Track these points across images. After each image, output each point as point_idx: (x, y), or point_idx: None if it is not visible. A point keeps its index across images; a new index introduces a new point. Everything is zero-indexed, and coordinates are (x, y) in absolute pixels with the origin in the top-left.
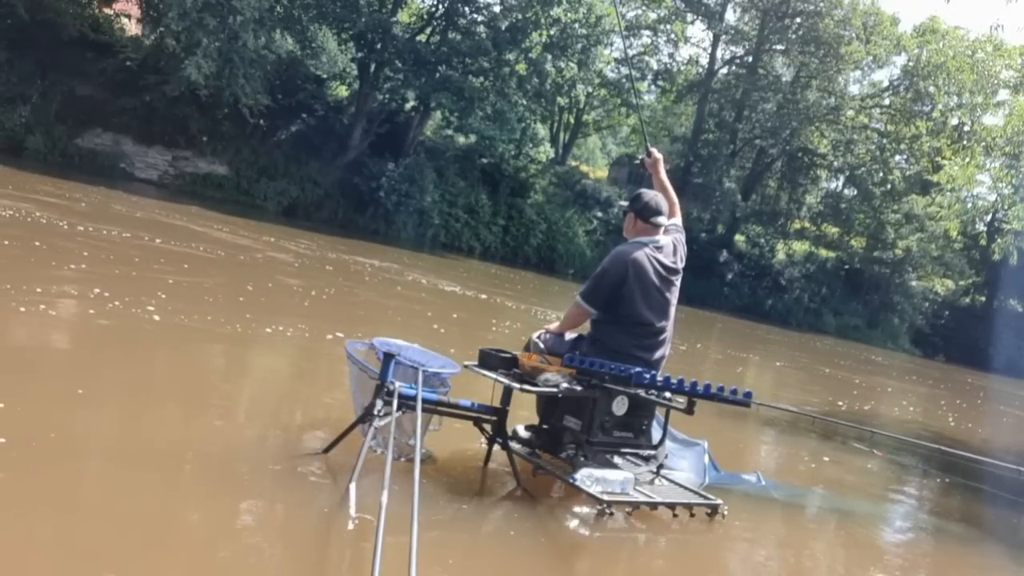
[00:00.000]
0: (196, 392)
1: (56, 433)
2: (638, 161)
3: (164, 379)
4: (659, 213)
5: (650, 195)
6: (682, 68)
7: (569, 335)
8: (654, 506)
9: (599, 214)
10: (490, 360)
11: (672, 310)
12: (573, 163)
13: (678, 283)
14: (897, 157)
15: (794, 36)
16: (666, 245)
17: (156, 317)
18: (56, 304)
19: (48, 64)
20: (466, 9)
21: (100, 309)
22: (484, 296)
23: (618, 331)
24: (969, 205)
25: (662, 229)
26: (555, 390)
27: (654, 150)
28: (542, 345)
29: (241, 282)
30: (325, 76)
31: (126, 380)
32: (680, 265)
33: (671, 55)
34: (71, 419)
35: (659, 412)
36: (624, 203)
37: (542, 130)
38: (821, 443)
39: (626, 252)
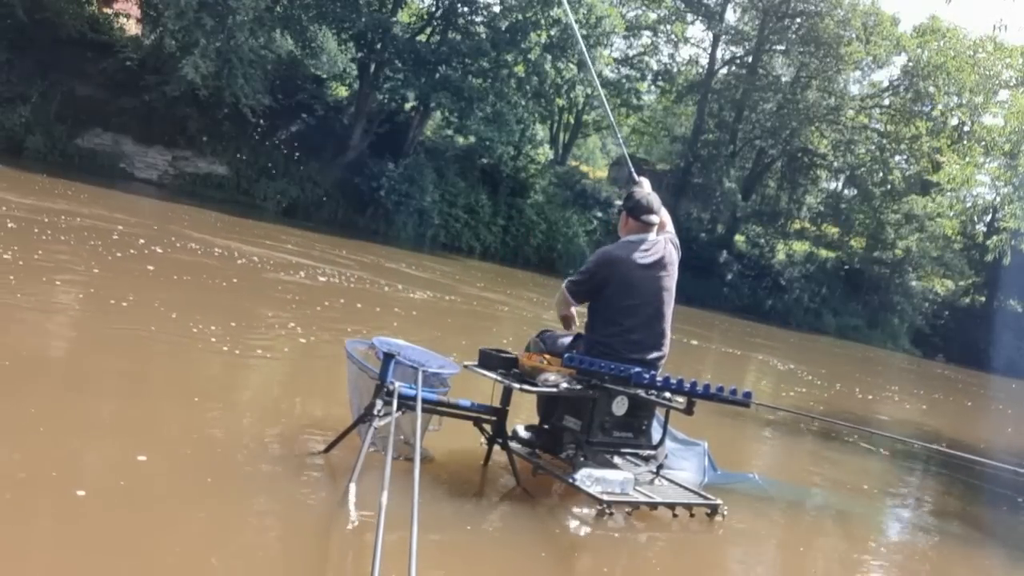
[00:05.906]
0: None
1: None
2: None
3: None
4: (650, 211)
5: (642, 194)
6: (682, 68)
7: (566, 338)
8: (654, 506)
9: (599, 214)
10: (490, 360)
11: (666, 309)
12: (573, 163)
13: (672, 283)
14: (897, 157)
15: (794, 36)
16: (657, 243)
17: None
18: None
19: (48, 64)
20: (466, 9)
21: None
22: None
23: (612, 332)
24: (968, 204)
25: (655, 228)
26: (555, 390)
27: (642, 179)
28: (543, 344)
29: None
30: (325, 76)
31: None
32: (670, 262)
33: (671, 55)
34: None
35: (659, 412)
36: (620, 202)
37: (542, 131)
38: (821, 443)
39: (610, 252)
